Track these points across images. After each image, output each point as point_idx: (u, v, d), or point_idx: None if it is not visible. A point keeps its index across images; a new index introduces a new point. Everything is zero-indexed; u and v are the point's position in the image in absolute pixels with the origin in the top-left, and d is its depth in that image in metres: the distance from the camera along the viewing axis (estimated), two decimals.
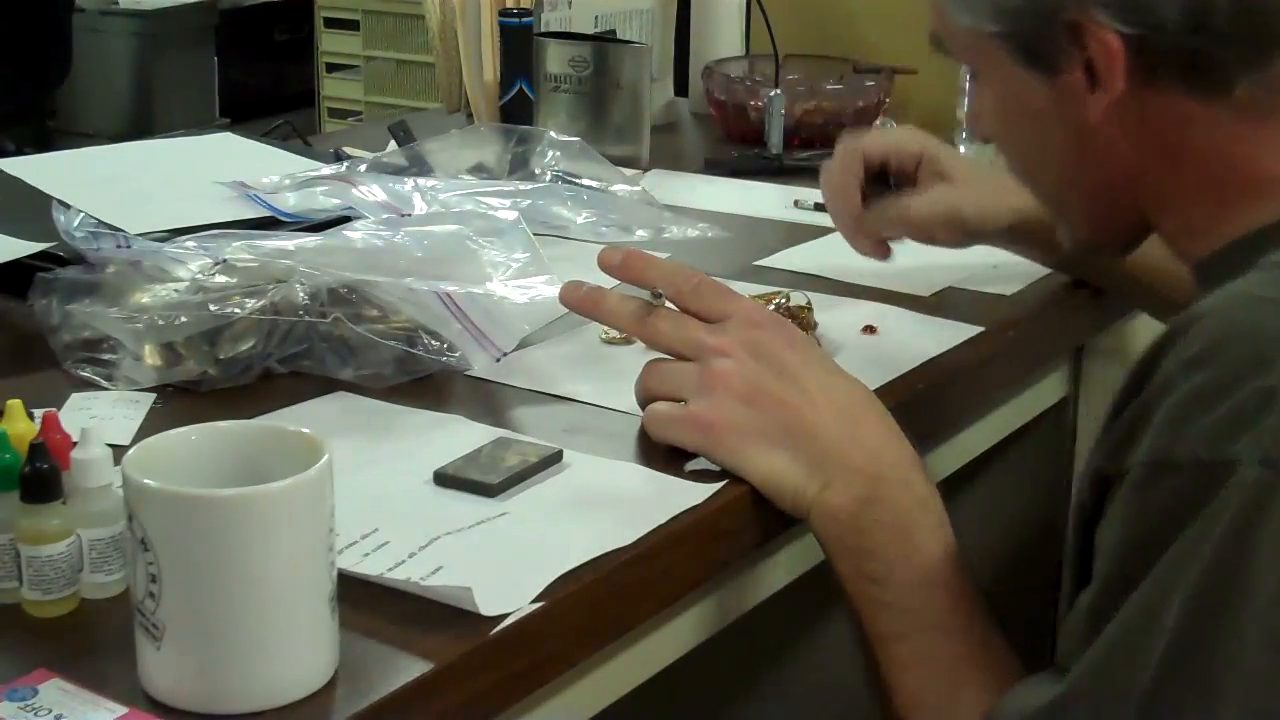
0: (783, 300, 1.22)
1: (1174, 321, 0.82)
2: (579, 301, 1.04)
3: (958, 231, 1.28)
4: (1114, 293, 1.37)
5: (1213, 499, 0.75)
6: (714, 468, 0.99)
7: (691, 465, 1.00)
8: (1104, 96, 0.91)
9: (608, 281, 1.05)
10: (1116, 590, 0.79)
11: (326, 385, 1.11)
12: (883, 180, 1.30)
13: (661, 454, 1.01)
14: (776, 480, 0.97)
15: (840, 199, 1.30)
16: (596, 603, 0.88)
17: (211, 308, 1.08)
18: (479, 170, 1.55)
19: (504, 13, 1.73)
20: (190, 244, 1.14)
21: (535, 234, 1.20)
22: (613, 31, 1.91)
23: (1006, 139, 1.03)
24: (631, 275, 1.03)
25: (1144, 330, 1.57)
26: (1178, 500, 0.77)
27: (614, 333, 1.20)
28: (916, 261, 1.40)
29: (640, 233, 1.45)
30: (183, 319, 1.08)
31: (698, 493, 0.96)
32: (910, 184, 1.29)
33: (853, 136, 1.30)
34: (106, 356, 1.11)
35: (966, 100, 1.79)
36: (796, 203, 1.61)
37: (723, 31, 2.05)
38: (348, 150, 1.65)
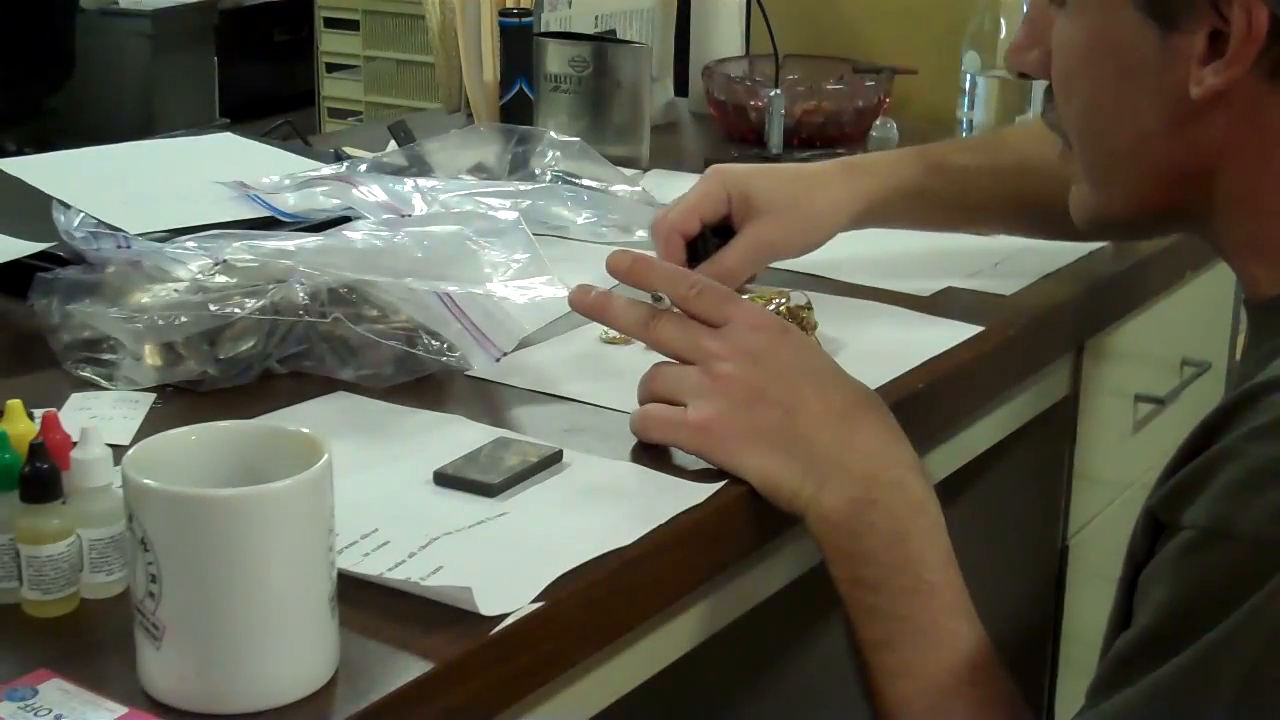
0: (783, 300, 1.22)
1: (1250, 386, 0.78)
2: (587, 306, 1.05)
3: (776, 257, 1.30)
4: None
5: (1272, 576, 0.73)
6: (710, 466, 0.99)
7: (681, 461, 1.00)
8: (1220, 75, 0.83)
9: (605, 282, 1.05)
10: (1155, 648, 0.77)
11: (326, 385, 1.11)
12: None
13: (662, 454, 1.02)
14: (773, 482, 0.97)
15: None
16: (596, 603, 0.88)
17: (211, 308, 1.08)
18: (479, 170, 1.55)
19: (504, 13, 1.73)
20: (190, 244, 1.14)
21: (535, 234, 1.20)
22: (613, 31, 1.91)
23: (1080, 81, 0.92)
24: (636, 279, 1.04)
25: (1145, 330, 1.57)
26: (1235, 573, 0.74)
27: (614, 333, 1.20)
28: (916, 262, 1.40)
29: (640, 233, 1.45)
30: (183, 319, 1.08)
31: (698, 493, 0.96)
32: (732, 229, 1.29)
33: (661, 219, 1.28)
34: (106, 356, 1.11)
35: (965, 100, 1.80)
36: None
37: (723, 31, 2.05)
38: (348, 150, 1.65)
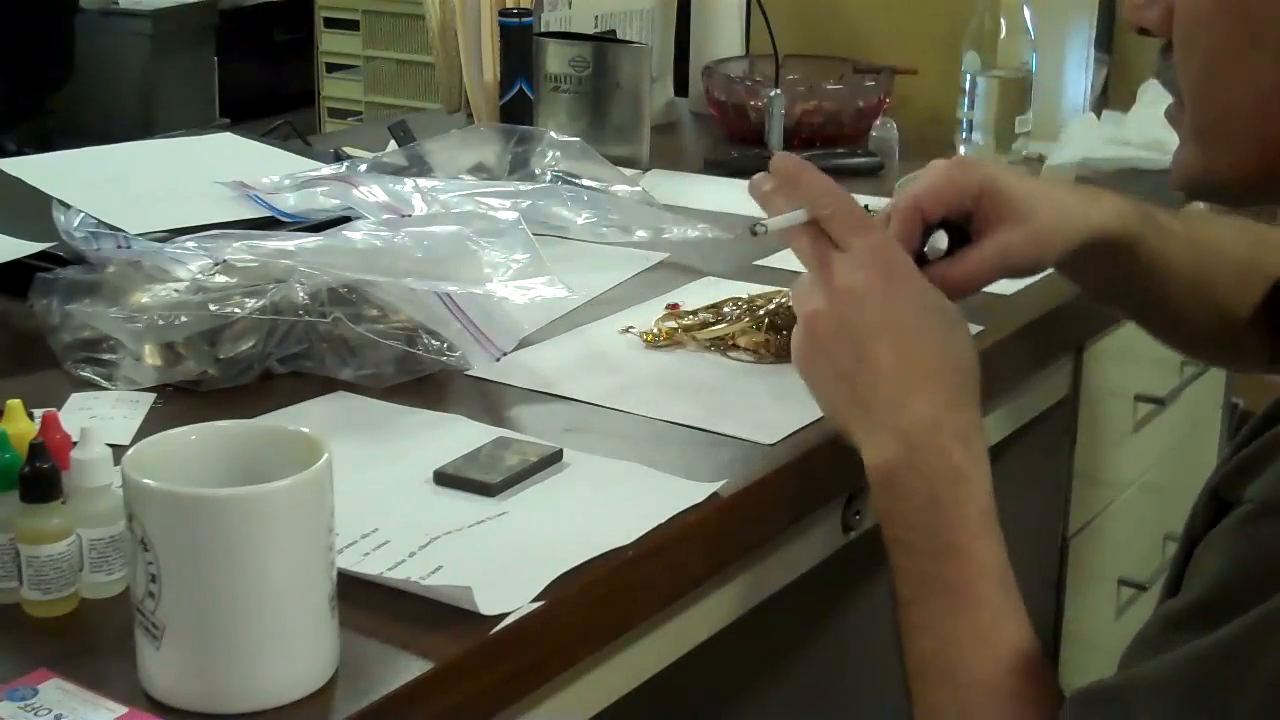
0: (783, 300, 1.23)
1: None
2: (784, 169, 1.05)
3: (1012, 273, 1.18)
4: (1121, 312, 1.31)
5: None
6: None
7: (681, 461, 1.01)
8: None
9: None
10: (1203, 615, 0.77)
11: (326, 385, 1.11)
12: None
13: (662, 454, 1.02)
14: (830, 414, 1.01)
15: None
16: (596, 603, 0.88)
17: (211, 308, 1.08)
18: (479, 170, 1.55)
19: (504, 13, 1.73)
20: (190, 244, 1.14)
21: (535, 234, 1.20)
22: (613, 31, 1.91)
23: (1204, 38, 0.91)
24: (790, 182, 1.05)
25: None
26: None
27: (654, 334, 1.22)
28: None
29: (640, 233, 1.45)
30: (183, 319, 1.08)
31: (698, 492, 0.96)
32: (967, 224, 1.16)
33: (908, 192, 1.14)
34: (106, 356, 1.11)
35: (965, 100, 1.80)
36: None
37: (723, 31, 2.05)
38: (348, 150, 1.65)
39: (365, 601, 0.82)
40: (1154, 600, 0.86)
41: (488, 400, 1.11)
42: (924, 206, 1.13)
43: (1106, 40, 1.95)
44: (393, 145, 1.63)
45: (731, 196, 1.66)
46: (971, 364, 1.02)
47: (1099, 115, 1.82)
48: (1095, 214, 1.17)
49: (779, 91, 1.81)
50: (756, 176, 1.07)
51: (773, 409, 1.08)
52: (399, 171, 1.47)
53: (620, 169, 1.56)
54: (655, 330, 1.22)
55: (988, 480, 0.98)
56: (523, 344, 1.17)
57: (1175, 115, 0.96)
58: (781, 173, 1.06)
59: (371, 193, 1.36)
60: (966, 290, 1.15)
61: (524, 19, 1.71)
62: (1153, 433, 1.65)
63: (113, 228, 1.23)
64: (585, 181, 1.53)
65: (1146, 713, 0.77)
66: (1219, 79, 0.91)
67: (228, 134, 1.68)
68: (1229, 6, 0.89)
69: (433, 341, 1.11)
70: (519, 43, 1.71)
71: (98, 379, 1.10)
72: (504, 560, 0.88)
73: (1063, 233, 1.16)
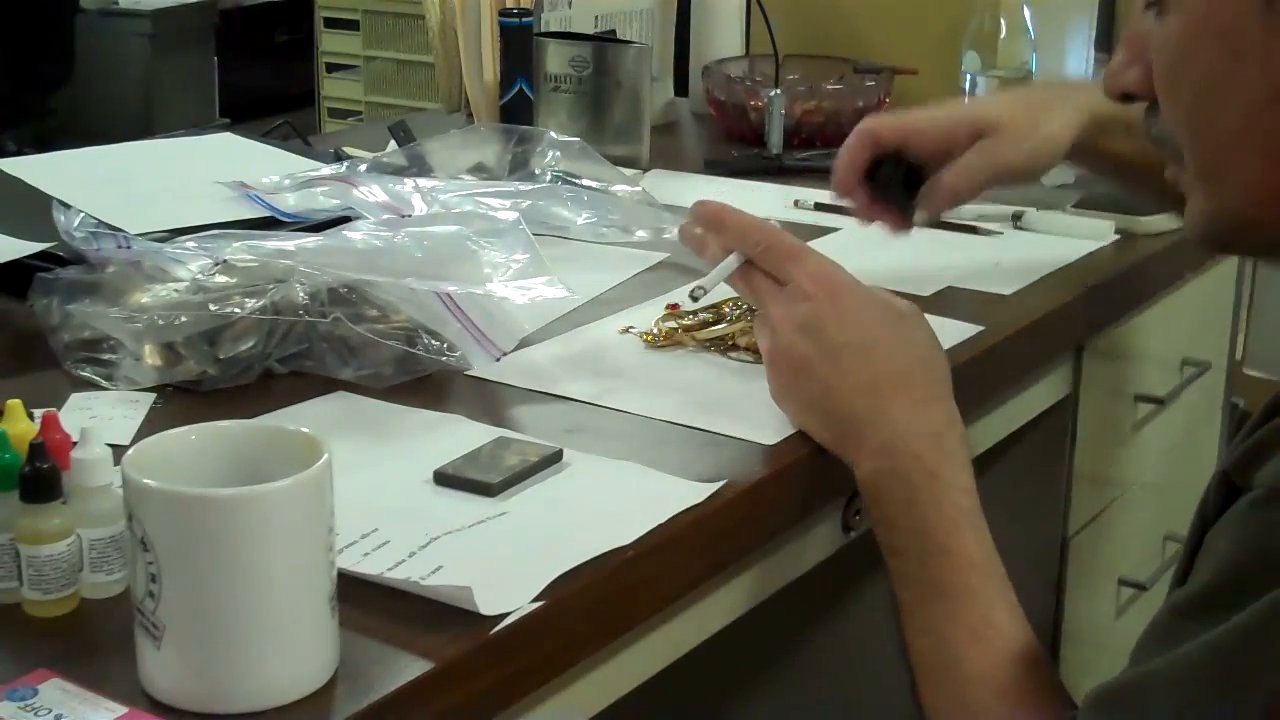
0: None
1: None
2: (707, 214, 1.08)
3: (1013, 182, 1.24)
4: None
5: None
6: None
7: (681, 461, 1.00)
8: None
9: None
10: (1212, 601, 0.78)
11: (326, 385, 1.11)
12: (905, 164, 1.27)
13: (662, 454, 1.02)
14: (818, 439, 1.03)
15: (838, 183, 1.29)
16: (596, 603, 0.88)
17: (211, 308, 1.08)
18: (479, 170, 1.55)
19: (504, 13, 1.73)
20: (190, 244, 1.14)
21: (535, 234, 1.20)
22: (613, 31, 1.91)
23: (1186, 70, 0.89)
24: (714, 228, 1.08)
25: (1145, 330, 1.57)
26: None
27: (654, 334, 1.21)
28: (916, 261, 1.40)
29: (640, 233, 1.45)
30: (183, 319, 1.08)
31: (698, 492, 0.96)
32: (925, 165, 1.25)
33: (871, 118, 1.23)
34: (106, 356, 1.11)
35: (965, 100, 1.80)
36: (796, 203, 1.62)
37: (723, 31, 2.05)
38: (348, 150, 1.65)
39: (365, 601, 0.82)
40: (1155, 599, 0.86)
41: (488, 400, 1.11)
42: (879, 134, 1.20)
43: (1106, 40, 1.95)
44: (393, 145, 1.63)
45: (731, 197, 1.65)
46: (936, 358, 1.03)
47: None
48: (1083, 99, 1.22)
49: (779, 91, 1.82)
50: (684, 223, 1.11)
51: (773, 409, 1.08)
52: (399, 171, 1.47)
53: (620, 169, 1.56)
54: (655, 330, 1.23)
55: (965, 475, 0.99)
56: (523, 344, 1.17)
57: (1176, 175, 0.94)
58: (704, 218, 1.08)
59: (371, 193, 1.36)
60: (960, 200, 1.18)
61: (524, 19, 1.71)
62: (1153, 433, 1.65)
63: (113, 228, 1.23)
64: (585, 181, 1.53)
65: (1167, 706, 0.78)
66: (1210, 108, 0.89)
67: (228, 134, 1.68)
68: (1205, 32, 0.88)
69: (433, 341, 1.11)
70: (519, 43, 1.71)
71: (98, 379, 1.10)
72: (504, 560, 0.88)
73: (1053, 141, 1.22)
